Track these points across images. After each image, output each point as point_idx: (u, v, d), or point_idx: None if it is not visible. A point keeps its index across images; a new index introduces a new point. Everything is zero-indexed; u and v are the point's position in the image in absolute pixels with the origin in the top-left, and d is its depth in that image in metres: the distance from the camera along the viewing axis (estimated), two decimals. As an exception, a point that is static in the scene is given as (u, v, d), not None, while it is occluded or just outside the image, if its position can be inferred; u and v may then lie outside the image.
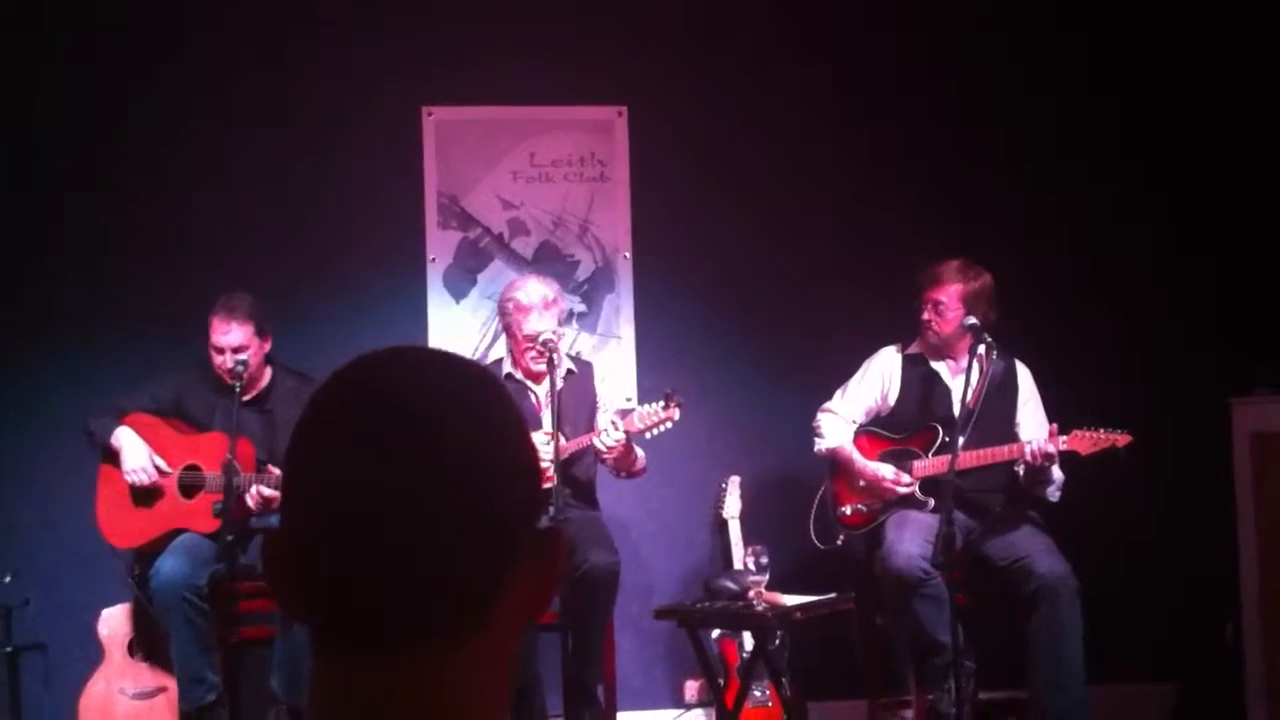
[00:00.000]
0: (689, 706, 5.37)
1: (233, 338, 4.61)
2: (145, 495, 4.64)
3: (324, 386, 0.99)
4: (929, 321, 4.72)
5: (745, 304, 5.52)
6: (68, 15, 5.23)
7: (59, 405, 5.01)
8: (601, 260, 5.48)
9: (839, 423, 4.88)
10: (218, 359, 4.61)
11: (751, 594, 4.37)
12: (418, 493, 0.93)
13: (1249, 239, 5.42)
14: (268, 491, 4.50)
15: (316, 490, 0.95)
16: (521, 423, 1.02)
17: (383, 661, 0.94)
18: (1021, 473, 4.60)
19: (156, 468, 4.63)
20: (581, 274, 5.47)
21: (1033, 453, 4.44)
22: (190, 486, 4.64)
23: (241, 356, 4.58)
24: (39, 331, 5.16)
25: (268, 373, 4.81)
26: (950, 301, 4.66)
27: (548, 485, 4.17)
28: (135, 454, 4.60)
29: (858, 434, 4.87)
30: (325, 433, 0.97)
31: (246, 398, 4.64)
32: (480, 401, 0.99)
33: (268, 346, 4.75)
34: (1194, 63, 5.55)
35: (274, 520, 4.61)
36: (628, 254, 5.48)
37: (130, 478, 4.58)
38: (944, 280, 4.68)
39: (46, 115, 5.22)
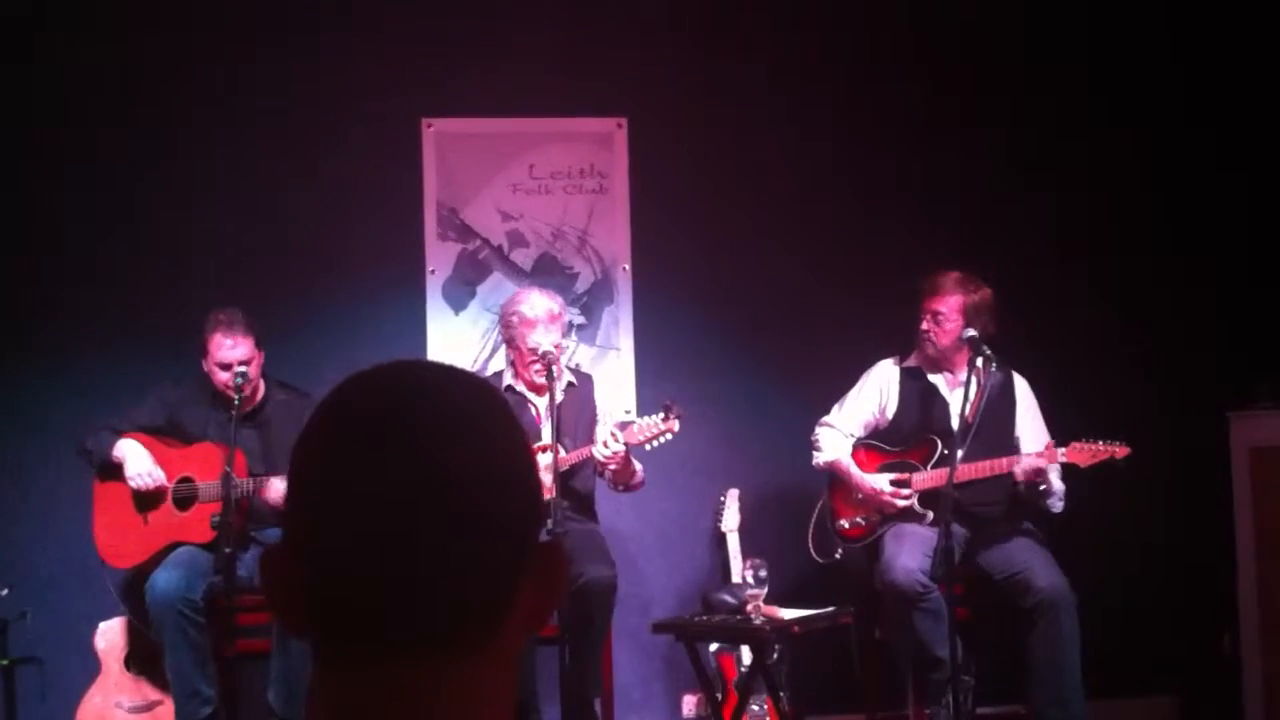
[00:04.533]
0: (687, 720, 5.36)
1: (240, 352, 4.60)
2: (144, 505, 4.63)
3: (327, 400, 1.00)
4: (928, 332, 4.72)
5: (744, 316, 5.52)
6: (67, 24, 5.22)
7: (59, 417, 5.00)
8: (601, 272, 5.48)
9: (837, 436, 4.87)
10: (222, 376, 4.59)
11: (750, 607, 4.36)
12: (422, 502, 0.93)
13: (1249, 250, 5.43)
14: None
15: (321, 501, 0.95)
16: (522, 434, 1.02)
17: (386, 671, 0.94)
18: (1022, 486, 4.59)
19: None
20: (581, 286, 5.47)
21: (1022, 470, 4.45)
22: (185, 499, 4.63)
23: (244, 369, 4.57)
24: (38, 342, 5.16)
25: (261, 386, 4.80)
26: (950, 313, 4.66)
27: (547, 498, 4.16)
28: (138, 460, 4.59)
29: (856, 447, 4.86)
30: (329, 445, 0.97)
31: (242, 411, 4.62)
32: (482, 413, 1.00)
33: (262, 358, 4.74)
34: (1194, 63, 5.56)
35: (271, 533, 4.62)
36: (627, 266, 5.48)
37: (134, 483, 4.57)
38: (944, 291, 4.67)
39: (46, 124, 5.22)
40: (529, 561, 0.99)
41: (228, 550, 4.26)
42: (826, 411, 4.93)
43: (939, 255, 4.89)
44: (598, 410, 4.88)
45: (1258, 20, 5.40)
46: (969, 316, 4.62)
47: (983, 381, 4.58)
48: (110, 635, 4.75)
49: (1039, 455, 4.46)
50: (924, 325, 4.73)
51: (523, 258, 5.44)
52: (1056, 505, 4.65)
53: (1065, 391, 4.98)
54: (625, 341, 5.48)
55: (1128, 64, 5.64)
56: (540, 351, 4.54)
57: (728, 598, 4.48)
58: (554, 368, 4.46)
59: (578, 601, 4.37)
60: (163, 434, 4.73)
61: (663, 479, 5.14)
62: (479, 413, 0.99)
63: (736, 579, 4.90)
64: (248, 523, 4.65)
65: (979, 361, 4.49)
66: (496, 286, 5.38)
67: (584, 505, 4.79)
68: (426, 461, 0.94)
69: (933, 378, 4.82)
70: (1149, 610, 5.34)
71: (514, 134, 5.46)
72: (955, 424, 4.46)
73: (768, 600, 4.40)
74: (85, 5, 5.25)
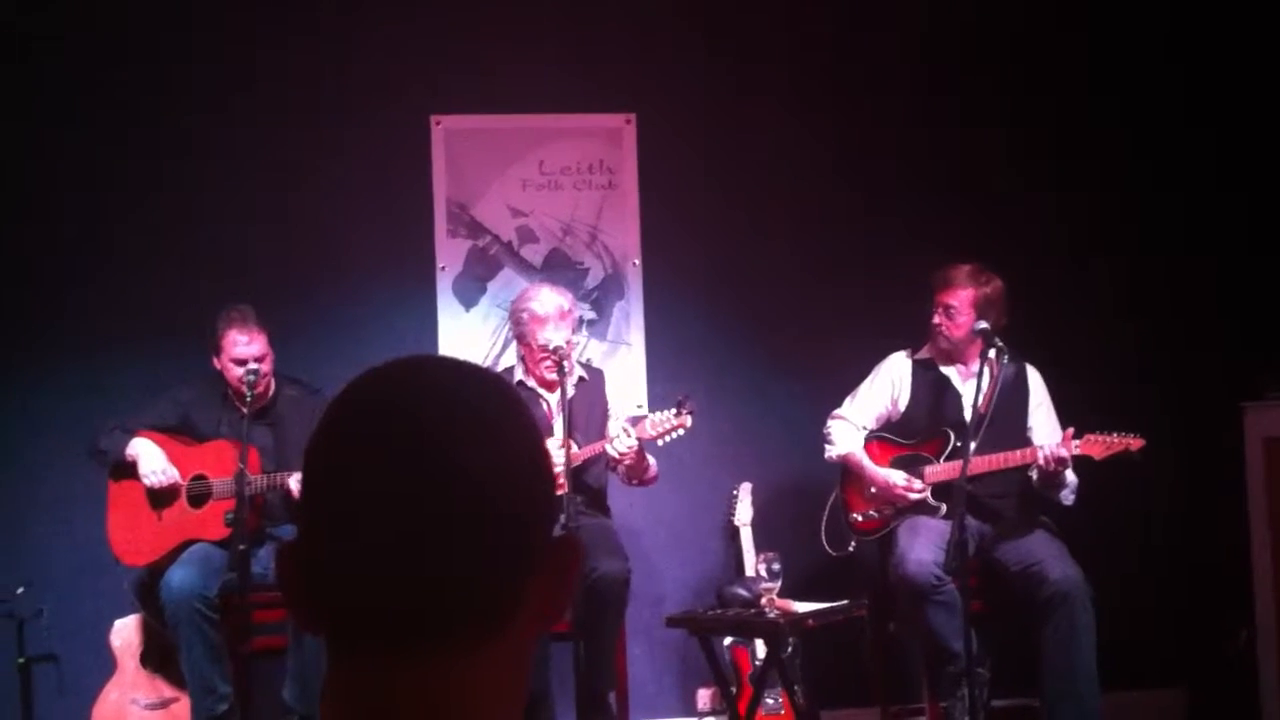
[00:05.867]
0: (702, 715, 5.36)
1: (255, 348, 4.61)
2: (159, 502, 4.65)
3: (340, 396, 1.00)
4: (939, 325, 4.71)
5: (755, 310, 5.51)
6: (70, 22, 5.23)
7: (71, 416, 5.01)
8: (611, 267, 5.48)
9: (849, 429, 4.87)
10: (237, 372, 4.59)
11: (763, 601, 4.36)
12: (430, 500, 0.93)
13: (1258, 241, 5.41)
14: None
15: (335, 498, 0.96)
16: (536, 429, 1.02)
17: (396, 669, 0.94)
18: (1035, 477, 4.58)
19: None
20: (591, 281, 5.47)
21: (1046, 458, 4.43)
22: (199, 496, 4.65)
23: (255, 366, 4.57)
24: (51, 342, 5.17)
25: (272, 384, 4.81)
26: (961, 306, 4.65)
27: (560, 493, 4.16)
28: (152, 458, 4.61)
29: (869, 440, 4.86)
30: (342, 441, 0.97)
31: (254, 409, 4.62)
32: (496, 408, 1.00)
33: (272, 355, 4.75)
34: (1195, 62, 5.54)
35: (285, 530, 4.64)
36: (637, 261, 5.48)
37: (148, 480, 4.58)
38: (956, 284, 4.66)
39: (46, 124, 5.22)
40: (542, 557, 0.99)
41: (242, 547, 4.28)
42: (838, 405, 4.93)
43: (946, 249, 4.88)
44: (609, 405, 4.88)
45: (1258, 20, 5.38)
46: (980, 309, 4.61)
47: (995, 373, 4.57)
48: (125, 633, 4.76)
49: (1059, 445, 4.44)
50: (936, 319, 4.72)
51: (533, 254, 5.45)
52: (1068, 498, 4.63)
53: (1075, 387, 4.95)
54: (636, 336, 5.48)
55: (1128, 64, 5.62)
56: (552, 348, 4.54)
57: (741, 591, 4.48)
58: (565, 363, 4.46)
59: (591, 596, 4.37)
60: (175, 433, 4.74)
61: (675, 473, 5.14)
62: (491, 408, 0.99)
63: (750, 573, 4.91)
64: (262, 519, 4.67)
65: (991, 353, 4.48)
66: (507, 283, 5.38)
67: (596, 499, 4.80)
68: (435, 459, 0.94)
69: (945, 370, 4.81)
70: (1163, 603, 5.32)
71: (523, 130, 5.46)
72: (968, 416, 4.45)
73: (781, 594, 4.40)
74: (85, 5, 5.25)
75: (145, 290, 5.21)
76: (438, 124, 5.41)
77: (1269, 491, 4.94)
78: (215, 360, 4.69)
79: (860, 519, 4.81)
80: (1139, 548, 5.33)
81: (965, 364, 4.76)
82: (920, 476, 4.68)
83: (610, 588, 4.44)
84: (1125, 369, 5.43)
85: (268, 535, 4.69)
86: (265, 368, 4.67)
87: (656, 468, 4.79)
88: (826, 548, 4.88)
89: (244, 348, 4.61)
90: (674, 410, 4.50)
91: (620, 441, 4.52)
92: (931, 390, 4.81)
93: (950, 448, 4.65)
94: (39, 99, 5.22)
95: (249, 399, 4.50)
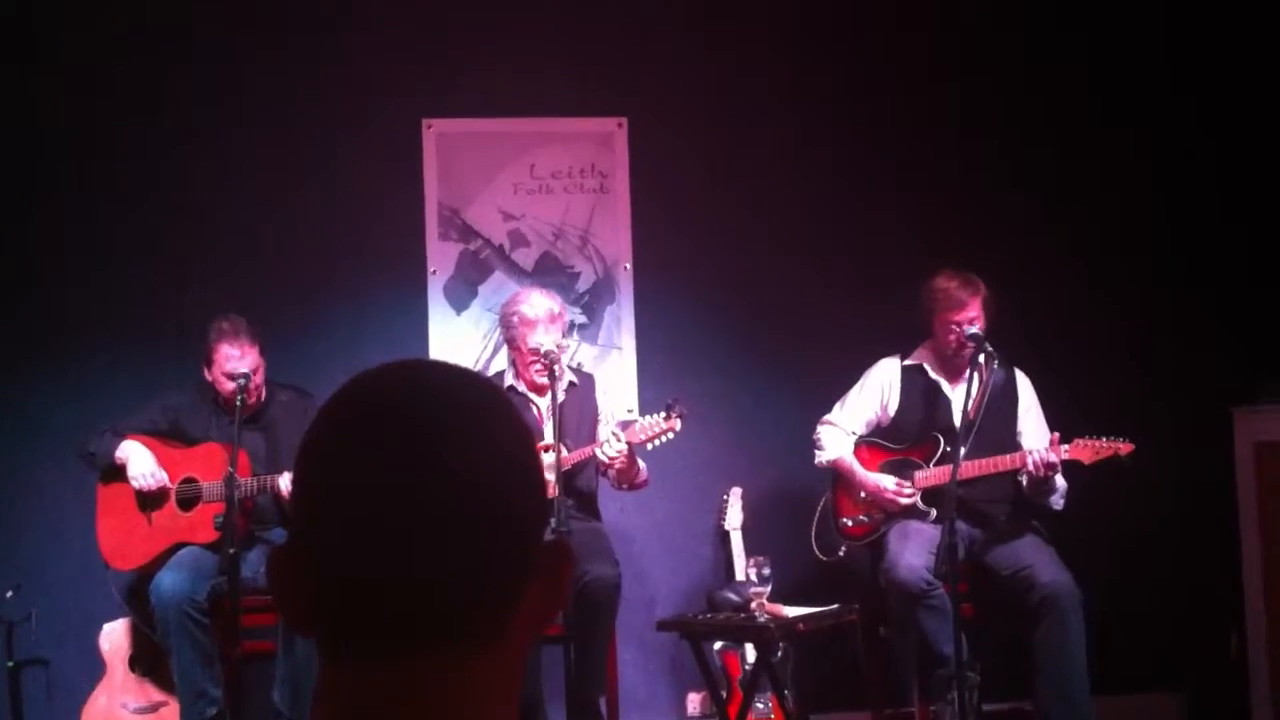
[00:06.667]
0: (692, 719, 5.35)
1: (246, 361, 4.59)
2: (147, 506, 4.63)
3: (333, 399, 1.00)
4: (962, 346, 4.65)
5: (746, 315, 5.51)
6: (67, 24, 5.22)
7: (63, 419, 5.00)
8: (602, 271, 5.48)
9: (839, 434, 4.87)
10: (229, 385, 4.57)
11: (754, 606, 4.36)
12: (422, 501, 0.93)
13: (1251, 246, 5.42)
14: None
15: (327, 500, 0.96)
16: (528, 433, 1.03)
17: (389, 671, 0.94)
18: (1025, 482, 4.59)
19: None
20: (582, 285, 5.46)
21: (1035, 463, 4.43)
22: (188, 499, 4.63)
23: (247, 375, 4.55)
24: (42, 345, 5.15)
25: (264, 390, 4.79)
26: (978, 315, 4.59)
27: (551, 497, 4.16)
28: (141, 461, 4.59)
29: (859, 445, 4.86)
30: (335, 444, 0.97)
31: (245, 415, 4.60)
32: (488, 411, 1.00)
33: (264, 363, 4.73)
34: (1195, 63, 5.55)
35: (276, 534, 4.63)
36: (628, 265, 5.48)
37: (137, 483, 4.57)
38: (964, 302, 4.58)
39: (46, 124, 5.21)
40: (534, 561, 0.99)
41: (231, 551, 4.27)
42: (829, 409, 4.93)
43: (939, 254, 4.88)
44: (600, 410, 4.88)
45: (1258, 20, 5.39)
46: (985, 309, 4.60)
47: (985, 378, 4.57)
48: (115, 636, 4.75)
49: (1048, 450, 4.44)
50: (952, 338, 4.65)
51: (524, 257, 5.44)
52: (1058, 503, 4.64)
53: (1067, 390, 4.97)
54: (627, 340, 5.48)
55: (1128, 64, 5.63)
56: (542, 351, 4.54)
57: (732, 596, 4.48)
58: (555, 367, 4.46)
59: (582, 600, 4.37)
60: (165, 437, 4.73)
61: (666, 477, 5.14)
62: (483, 411, 0.99)
63: (740, 577, 4.91)
64: (252, 523, 4.65)
65: (981, 358, 4.47)
66: (498, 286, 5.37)
67: (587, 504, 4.80)
68: (427, 461, 0.94)
69: (935, 375, 4.81)
70: (1155, 607, 5.33)
71: (515, 134, 5.46)
72: (958, 421, 4.45)
73: (771, 598, 4.40)
74: (85, 5, 5.24)
75: (138, 294, 5.20)
76: (429, 127, 5.41)
77: (1259, 495, 4.96)
78: (207, 372, 4.67)
79: (850, 524, 4.81)
80: (1131, 552, 5.33)
81: (957, 369, 4.76)
82: (910, 481, 4.68)
83: (601, 592, 4.44)
84: (1117, 372, 5.43)
85: (257, 539, 4.68)
86: (256, 379, 4.66)
87: (647, 472, 4.79)
88: (817, 552, 4.88)
89: (235, 362, 4.59)
90: (663, 414, 4.50)
91: (610, 446, 4.52)
92: (921, 395, 4.81)
93: (940, 453, 4.65)
94: (39, 99, 5.20)
95: (239, 404, 4.49)
